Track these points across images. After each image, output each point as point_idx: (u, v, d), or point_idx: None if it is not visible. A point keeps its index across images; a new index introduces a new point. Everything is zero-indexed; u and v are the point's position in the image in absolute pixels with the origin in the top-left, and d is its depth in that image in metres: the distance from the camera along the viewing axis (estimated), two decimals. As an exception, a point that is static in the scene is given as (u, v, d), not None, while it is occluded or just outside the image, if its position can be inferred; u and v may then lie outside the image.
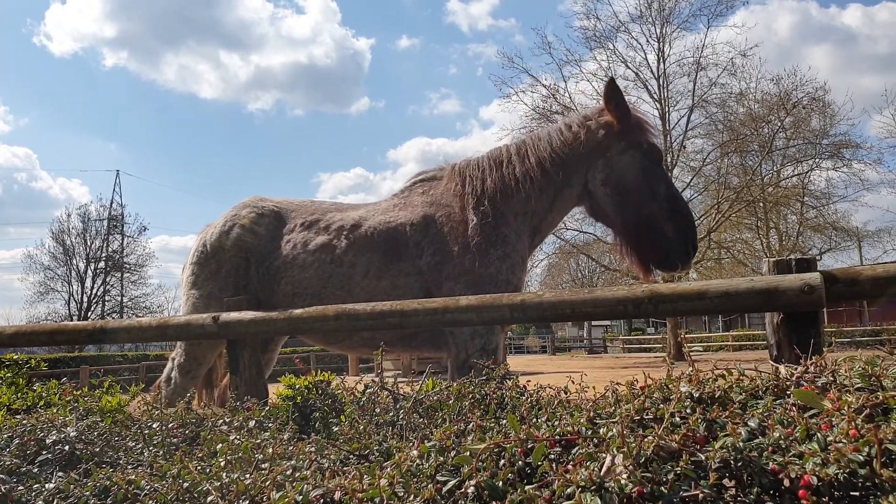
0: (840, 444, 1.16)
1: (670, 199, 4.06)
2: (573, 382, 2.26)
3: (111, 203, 50.20)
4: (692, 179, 29.09)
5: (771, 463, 1.21)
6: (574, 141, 4.17)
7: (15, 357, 4.69)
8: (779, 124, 27.93)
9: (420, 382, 2.67)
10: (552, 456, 1.42)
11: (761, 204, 29.03)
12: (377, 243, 4.24)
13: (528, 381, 2.54)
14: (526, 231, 4.33)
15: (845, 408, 1.31)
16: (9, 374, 4.33)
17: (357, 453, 1.95)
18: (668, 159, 27.94)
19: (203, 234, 4.80)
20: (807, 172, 29.50)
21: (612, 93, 4.09)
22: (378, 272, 4.20)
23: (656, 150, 4.17)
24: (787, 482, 1.15)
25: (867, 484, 1.15)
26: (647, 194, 4.04)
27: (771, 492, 1.19)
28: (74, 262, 47.34)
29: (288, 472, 1.57)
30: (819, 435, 1.22)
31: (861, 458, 1.11)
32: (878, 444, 1.09)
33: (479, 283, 3.95)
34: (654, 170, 4.10)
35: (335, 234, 4.36)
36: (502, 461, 1.42)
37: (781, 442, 1.25)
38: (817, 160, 28.56)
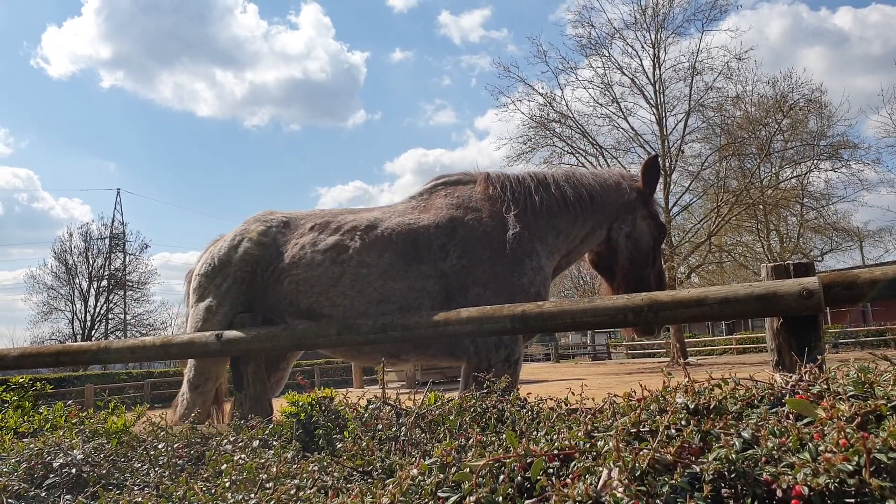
0: (830, 454, 1.18)
1: (660, 272, 4.65)
2: (573, 393, 2.29)
3: (112, 221, 50.40)
4: (691, 184, 29.10)
5: (764, 473, 1.23)
6: (616, 190, 4.55)
7: (21, 380, 4.71)
8: (776, 126, 27.96)
9: (423, 396, 2.69)
10: (551, 470, 1.44)
11: (761, 206, 29.02)
12: (396, 244, 4.17)
13: (529, 393, 2.56)
14: (560, 250, 4.40)
15: (837, 416, 1.33)
16: (15, 398, 4.35)
17: (360, 469, 1.97)
18: (667, 164, 28.01)
19: (213, 247, 4.80)
20: (805, 174, 29.50)
21: (653, 168, 4.63)
22: (396, 273, 4.12)
23: (664, 229, 4.74)
24: (779, 492, 1.17)
25: (861, 492, 1.17)
26: (651, 260, 4.57)
27: (765, 502, 1.22)
28: (77, 281, 47.44)
29: (292, 492, 1.60)
30: (811, 444, 1.24)
31: (850, 467, 1.14)
32: (866, 453, 1.12)
33: (510, 292, 3.92)
34: (658, 243, 4.66)
35: (348, 235, 4.28)
36: (502, 476, 1.44)
37: (774, 452, 1.27)
38: (816, 161, 28.55)
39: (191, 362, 4.70)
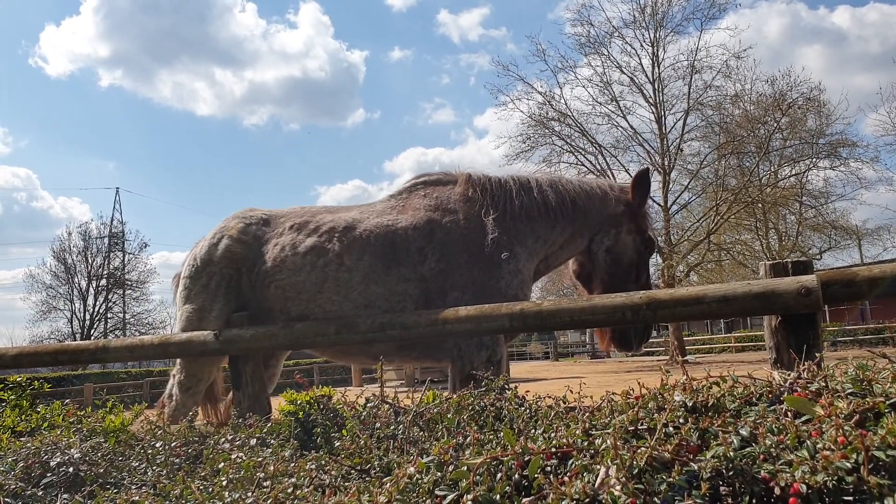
0: (828, 452, 1.18)
1: (646, 287, 4.44)
2: (571, 391, 2.28)
3: (112, 220, 50.39)
4: (690, 182, 29.11)
5: (762, 471, 1.22)
6: (602, 201, 4.45)
7: (18, 379, 4.70)
8: (775, 125, 27.97)
9: (421, 394, 2.69)
10: (548, 468, 1.43)
11: (760, 205, 29.02)
12: (374, 246, 4.12)
13: (528, 391, 2.55)
14: (539, 254, 4.34)
15: (836, 414, 1.32)
16: (12, 396, 4.34)
17: (358, 468, 1.96)
18: (666, 162, 28.02)
19: (194, 249, 4.78)
20: (804, 172, 29.51)
21: (643, 181, 4.48)
22: (377, 277, 4.08)
23: (652, 244, 4.61)
24: (777, 490, 1.17)
25: (859, 489, 1.17)
26: (633, 276, 4.45)
27: (763, 499, 1.21)
28: (76, 280, 47.46)
29: (289, 491, 1.59)
30: (809, 442, 1.24)
31: (848, 465, 1.13)
32: (864, 451, 1.11)
33: (488, 296, 3.88)
34: (644, 258, 4.55)
35: (326, 237, 4.23)
36: (499, 475, 1.43)
37: (772, 450, 1.27)
38: (814, 160, 28.59)
39: (180, 363, 4.66)
